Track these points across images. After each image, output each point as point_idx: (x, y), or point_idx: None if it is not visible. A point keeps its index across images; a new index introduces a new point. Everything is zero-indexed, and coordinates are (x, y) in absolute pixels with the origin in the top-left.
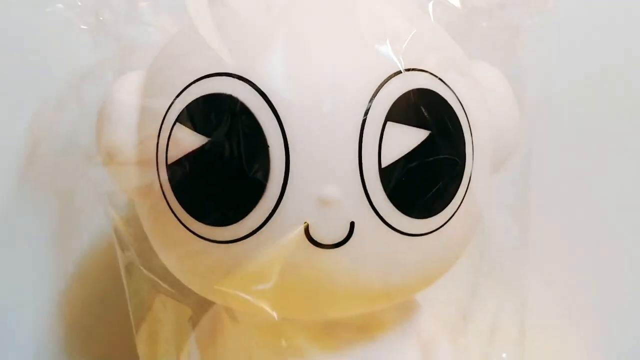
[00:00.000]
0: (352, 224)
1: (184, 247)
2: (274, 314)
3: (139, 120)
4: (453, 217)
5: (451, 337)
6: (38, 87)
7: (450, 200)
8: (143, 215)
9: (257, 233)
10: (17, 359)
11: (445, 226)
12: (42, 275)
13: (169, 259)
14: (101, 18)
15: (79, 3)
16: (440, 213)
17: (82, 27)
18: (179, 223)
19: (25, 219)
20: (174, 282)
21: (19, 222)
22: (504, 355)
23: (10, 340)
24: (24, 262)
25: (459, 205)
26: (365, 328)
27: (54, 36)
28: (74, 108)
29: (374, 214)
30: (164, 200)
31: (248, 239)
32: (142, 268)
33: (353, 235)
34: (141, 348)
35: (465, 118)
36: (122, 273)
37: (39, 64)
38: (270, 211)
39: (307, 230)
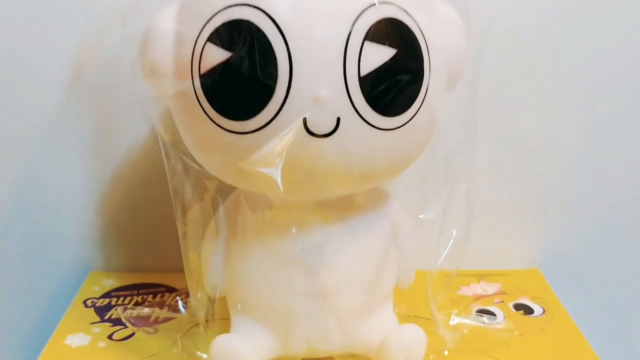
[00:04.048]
0: (338, 119)
1: (212, 139)
2: (280, 187)
3: (176, 42)
4: (415, 116)
5: (413, 216)
6: (83, 19)
7: (412, 103)
8: (178, 116)
9: (269, 125)
10: (61, 247)
11: (409, 123)
12: (84, 178)
13: (199, 151)
14: None
15: None
16: (405, 113)
17: None
18: (209, 119)
19: (72, 131)
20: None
21: (66, 133)
22: (454, 231)
23: (55, 232)
24: (70, 166)
25: (419, 108)
26: (348, 208)
27: None
28: (117, 35)
29: (355, 111)
30: (197, 102)
31: (262, 129)
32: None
33: (339, 127)
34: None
35: (424, 41)
36: (164, 156)
37: (86, 5)
38: (278, 108)
39: (305, 123)
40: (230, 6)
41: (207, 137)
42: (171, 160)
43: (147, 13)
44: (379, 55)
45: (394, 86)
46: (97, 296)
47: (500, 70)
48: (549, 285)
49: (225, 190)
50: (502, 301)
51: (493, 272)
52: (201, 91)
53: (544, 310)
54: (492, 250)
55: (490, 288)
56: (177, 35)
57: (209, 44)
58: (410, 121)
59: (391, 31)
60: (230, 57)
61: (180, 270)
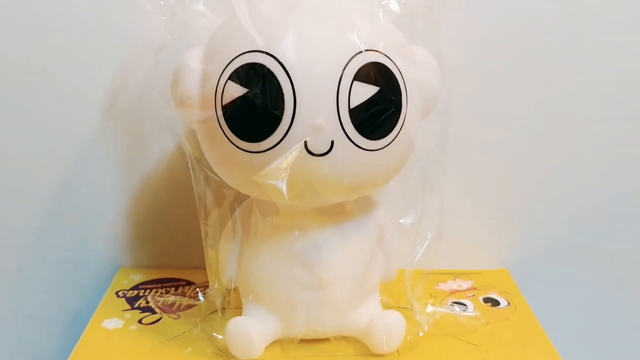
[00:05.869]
0: (332, 142)
1: (230, 156)
2: (286, 196)
3: (202, 79)
4: (395, 140)
5: (395, 220)
6: (120, 51)
7: (392, 129)
8: (202, 138)
9: (277, 146)
10: (99, 244)
11: (389, 145)
12: (117, 188)
13: (220, 166)
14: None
15: (162, 2)
16: (386, 137)
17: (162, 17)
18: (228, 141)
19: (107, 147)
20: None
21: (102, 148)
22: (429, 234)
23: (93, 233)
24: (104, 178)
25: (398, 133)
26: (341, 214)
27: (136, 20)
28: (148, 69)
29: (345, 136)
30: (219, 127)
31: (271, 150)
32: (205, 169)
33: (333, 149)
34: (203, 227)
35: (402, 80)
36: (190, 169)
37: (122, 40)
38: (284, 133)
39: (306, 145)
40: (247, 52)
41: (226, 155)
42: (196, 172)
43: (175, 50)
44: (365, 91)
45: (377, 116)
46: (127, 288)
47: (468, 99)
48: (515, 283)
49: (240, 198)
50: (473, 295)
51: (468, 272)
52: (223, 119)
53: (509, 303)
54: (468, 253)
55: (465, 284)
56: (203, 73)
57: (229, 82)
58: (391, 144)
59: (375, 72)
60: (247, 93)
61: (197, 267)
